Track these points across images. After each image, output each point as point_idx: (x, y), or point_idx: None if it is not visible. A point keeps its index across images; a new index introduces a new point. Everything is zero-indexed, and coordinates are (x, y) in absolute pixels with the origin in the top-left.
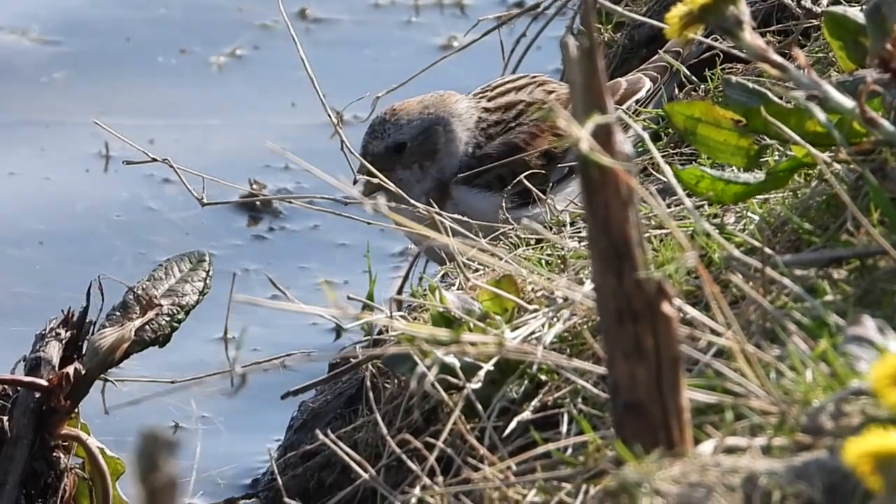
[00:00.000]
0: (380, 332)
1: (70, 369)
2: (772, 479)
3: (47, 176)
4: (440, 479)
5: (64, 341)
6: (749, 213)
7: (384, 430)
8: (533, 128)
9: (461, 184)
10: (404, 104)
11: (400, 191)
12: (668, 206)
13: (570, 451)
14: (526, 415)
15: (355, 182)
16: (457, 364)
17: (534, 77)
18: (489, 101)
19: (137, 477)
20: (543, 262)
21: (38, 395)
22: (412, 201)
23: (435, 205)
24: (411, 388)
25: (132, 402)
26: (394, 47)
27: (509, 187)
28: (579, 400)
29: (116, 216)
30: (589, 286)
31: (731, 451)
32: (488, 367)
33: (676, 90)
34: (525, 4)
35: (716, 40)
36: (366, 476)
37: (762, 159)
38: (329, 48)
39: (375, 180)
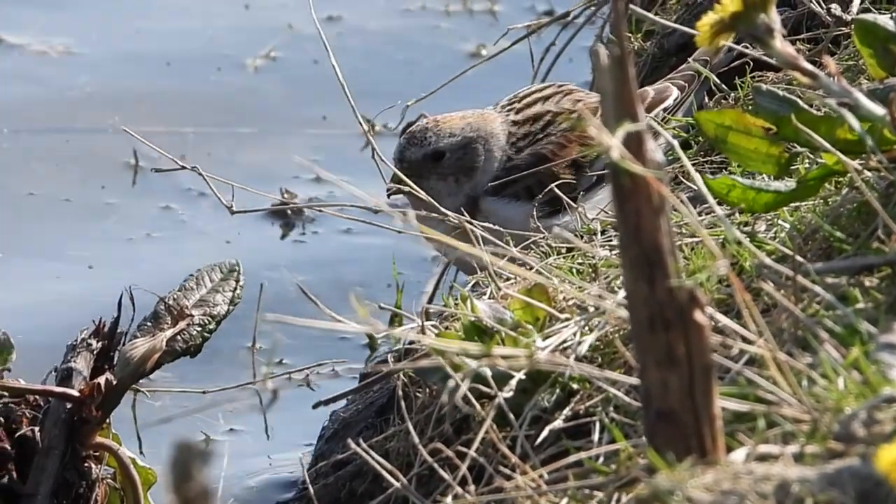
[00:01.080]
0: (411, 342)
1: (101, 380)
2: (804, 487)
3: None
4: (472, 487)
5: (95, 352)
6: (780, 222)
7: (416, 439)
8: (561, 138)
9: (489, 195)
10: (447, 117)
11: (431, 199)
12: (699, 214)
13: (601, 459)
14: (558, 423)
15: (389, 196)
16: (488, 373)
17: (560, 86)
18: (517, 113)
19: (171, 487)
20: (575, 270)
21: (69, 405)
22: (443, 209)
23: (469, 215)
24: (442, 400)
25: (163, 420)
26: (423, 54)
27: (540, 196)
28: (611, 408)
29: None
30: (620, 295)
31: (763, 458)
32: (520, 376)
33: (706, 98)
34: (555, 13)
35: (746, 48)
36: (397, 485)
37: (793, 167)
38: (358, 54)
39: (402, 186)
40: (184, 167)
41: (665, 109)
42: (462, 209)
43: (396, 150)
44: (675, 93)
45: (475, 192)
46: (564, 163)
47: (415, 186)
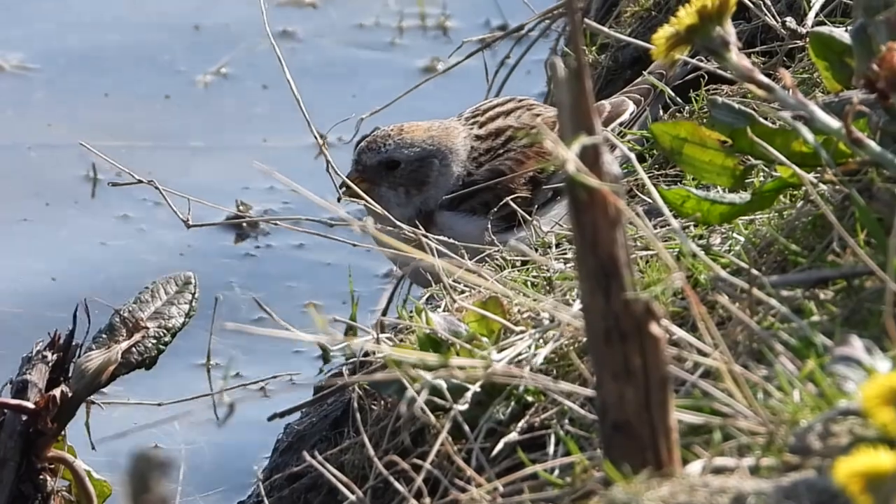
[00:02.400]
0: (365, 354)
1: (57, 392)
2: (760, 500)
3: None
4: (427, 500)
5: (50, 364)
6: (735, 234)
7: (371, 452)
8: (519, 154)
9: (445, 209)
10: (412, 126)
11: (379, 207)
12: (655, 226)
13: (557, 472)
14: (513, 436)
15: (339, 199)
16: (444, 386)
17: (521, 101)
18: (480, 127)
19: (128, 498)
20: (529, 283)
21: (24, 417)
22: (398, 223)
23: (423, 228)
24: (399, 411)
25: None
26: (378, 69)
27: (495, 209)
28: (566, 421)
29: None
30: (576, 307)
31: (719, 471)
32: (475, 388)
33: (661, 112)
34: (508, 26)
35: (700, 61)
36: (353, 498)
37: (748, 180)
38: (312, 69)
39: (360, 187)
40: (140, 181)
41: (622, 123)
42: (417, 222)
43: (355, 152)
44: (631, 107)
45: (426, 206)
46: (521, 178)
47: (364, 195)
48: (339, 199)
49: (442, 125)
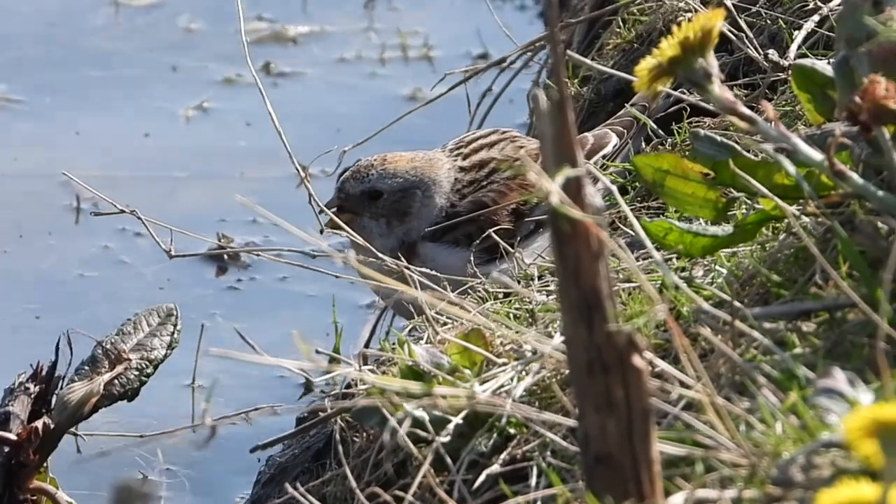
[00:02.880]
0: (347, 386)
1: (39, 423)
2: None
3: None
4: None
5: (33, 395)
6: (717, 267)
7: (353, 484)
8: (503, 186)
9: (428, 241)
10: (396, 157)
11: (360, 238)
12: (637, 259)
13: (539, 503)
14: (495, 468)
15: (322, 232)
16: (426, 417)
17: (504, 133)
18: (464, 158)
19: None
20: (512, 315)
21: (7, 449)
22: (381, 255)
23: (405, 259)
24: (382, 442)
25: (101, 454)
26: (360, 100)
27: (477, 241)
28: (548, 453)
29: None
30: (558, 339)
31: (701, 503)
32: (457, 420)
33: (643, 144)
34: (490, 57)
35: (683, 93)
36: None
37: (730, 212)
38: (296, 101)
39: (339, 218)
40: (123, 211)
41: (605, 156)
42: (399, 253)
43: (338, 180)
44: (614, 139)
45: (408, 238)
46: (504, 210)
47: (346, 227)
48: (321, 231)
49: (426, 156)
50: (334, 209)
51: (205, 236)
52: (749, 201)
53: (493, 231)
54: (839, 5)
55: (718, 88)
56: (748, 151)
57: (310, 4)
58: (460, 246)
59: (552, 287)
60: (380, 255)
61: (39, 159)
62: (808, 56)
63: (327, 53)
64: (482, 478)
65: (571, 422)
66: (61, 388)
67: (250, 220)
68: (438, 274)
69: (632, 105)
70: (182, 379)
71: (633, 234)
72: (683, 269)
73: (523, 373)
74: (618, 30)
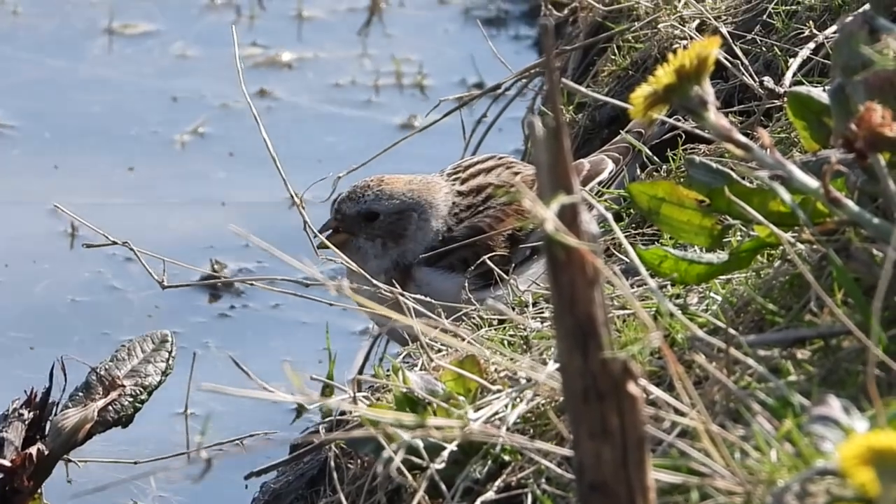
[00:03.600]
0: (342, 413)
1: (33, 450)
2: None
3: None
4: None
5: (27, 422)
6: (712, 294)
7: None
8: (499, 212)
9: (424, 265)
10: (392, 178)
11: (353, 263)
12: (632, 286)
13: None
14: (490, 495)
15: (316, 252)
16: (420, 445)
17: (500, 158)
18: (462, 183)
19: None
20: (506, 342)
21: (0, 475)
22: (375, 281)
23: (397, 285)
24: (375, 470)
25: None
26: (354, 127)
27: (472, 268)
28: (543, 480)
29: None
30: (552, 367)
31: None
32: (452, 447)
33: (639, 171)
34: (484, 84)
35: (678, 120)
36: None
37: (725, 239)
38: (289, 127)
39: (338, 237)
40: (115, 242)
41: (600, 182)
42: (392, 275)
43: (335, 201)
44: (610, 165)
45: (404, 260)
46: (501, 236)
47: (338, 251)
48: (315, 251)
49: (423, 179)
50: (328, 232)
51: (197, 264)
52: (744, 228)
53: (489, 257)
54: (835, 33)
55: (714, 115)
56: (744, 179)
57: (304, 31)
58: (455, 271)
59: (547, 314)
60: (374, 281)
61: (31, 185)
62: (803, 83)
63: (322, 79)
64: None
65: (565, 450)
66: (55, 415)
67: (243, 246)
68: (433, 300)
69: (627, 132)
70: (175, 406)
71: (628, 261)
72: (678, 297)
73: (518, 400)
74: (613, 57)
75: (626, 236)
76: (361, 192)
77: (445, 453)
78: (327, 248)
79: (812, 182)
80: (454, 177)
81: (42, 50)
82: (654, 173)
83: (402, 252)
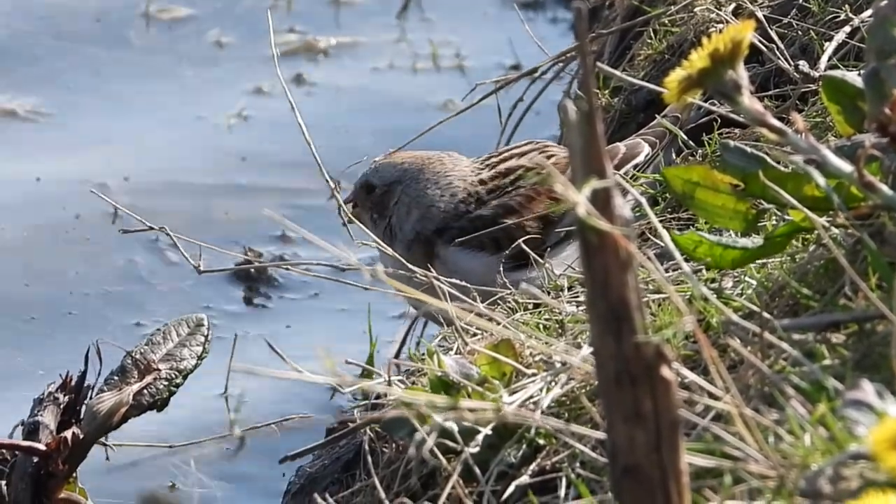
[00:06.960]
0: (377, 396)
1: (68, 433)
2: None
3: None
4: None
5: (62, 406)
6: (747, 278)
7: (382, 495)
8: (530, 191)
9: (449, 244)
10: (400, 153)
11: (381, 243)
12: (666, 270)
13: None
14: (524, 479)
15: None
16: (455, 428)
17: (537, 143)
18: (491, 168)
19: None
20: (541, 326)
21: (36, 459)
22: (411, 266)
23: (421, 262)
24: (409, 454)
25: (131, 464)
26: (392, 110)
27: (507, 251)
28: (577, 464)
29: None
30: (587, 351)
31: None
32: (486, 431)
33: (674, 155)
34: (522, 68)
35: (713, 105)
36: None
37: (760, 224)
38: (328, 112)
39: (354, 211)
40: (152, 227)
41: (636, 165)
42: (415, 251)
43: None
44: (646, 149)
45: (392, 235)
46: (533, 216)
47: (367, 229)
48: (349, 232)
49: (427, 155)
50: (350, 204)
51: (233, 251)
52: (779, 213)
53: (522, 238)
54: (870, 17)
55: (748, 100)
56: (778, 163)
57: (342, 16)
58: (485, 250)
59: (582, 298)
60: (409, 265)
61: (70, 170)
62: (838, 67)
63: (359, 64)
64: (511, 489)
65: (600, 433)
66: (90, 398)
67: (279, 234)
68: (467, 283)
69: (663, 116)
70: (212, 386)
71: (662, 245)
72: (713, 281)
73: (552, 384)
74: (649, 41)
75: (661, 221)
76: (372, 165)
77: (480, 437)
78: (353, 223)
79: (846, 166)
80: (486, 162)
81: (79, 37)
82: (690, 157)
83: (387, 227)
